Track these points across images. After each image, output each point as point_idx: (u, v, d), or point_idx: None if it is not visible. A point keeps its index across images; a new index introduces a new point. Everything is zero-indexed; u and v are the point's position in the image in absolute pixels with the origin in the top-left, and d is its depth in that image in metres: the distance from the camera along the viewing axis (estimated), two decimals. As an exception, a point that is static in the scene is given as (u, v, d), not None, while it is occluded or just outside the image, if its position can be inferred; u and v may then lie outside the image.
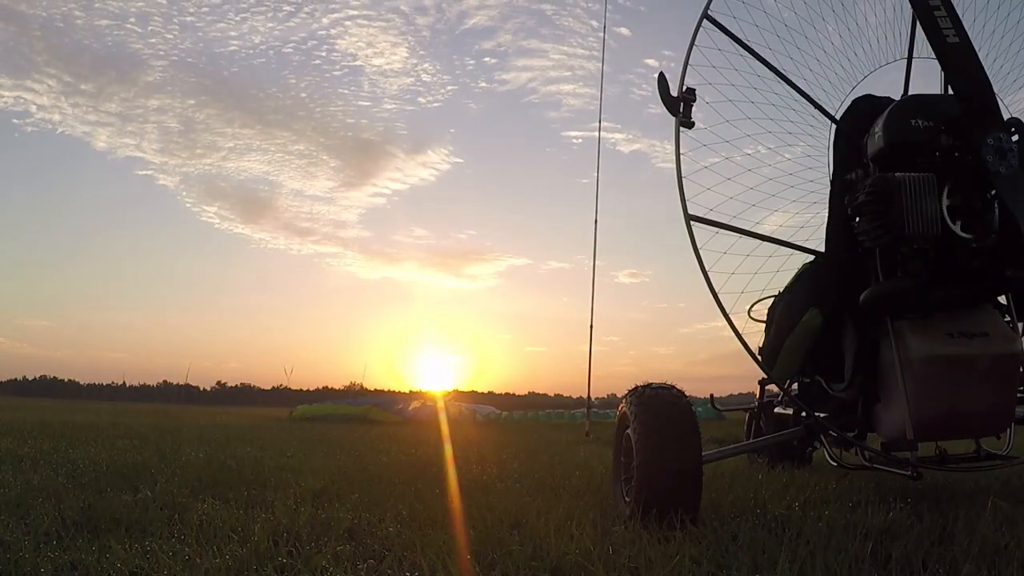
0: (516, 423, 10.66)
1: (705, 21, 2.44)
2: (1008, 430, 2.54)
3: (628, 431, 2.30)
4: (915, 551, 1.70)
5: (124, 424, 8.03)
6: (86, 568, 1.60)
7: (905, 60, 2.64)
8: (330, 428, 8.94)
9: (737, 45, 2.45)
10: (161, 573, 1.57)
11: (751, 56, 2.45)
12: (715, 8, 2.44)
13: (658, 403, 2.25)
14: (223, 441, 5.59)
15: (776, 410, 2.87)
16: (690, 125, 2.38)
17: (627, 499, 2.28)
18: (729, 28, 2.44)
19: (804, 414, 2.52)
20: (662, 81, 2.37)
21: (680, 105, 2.36)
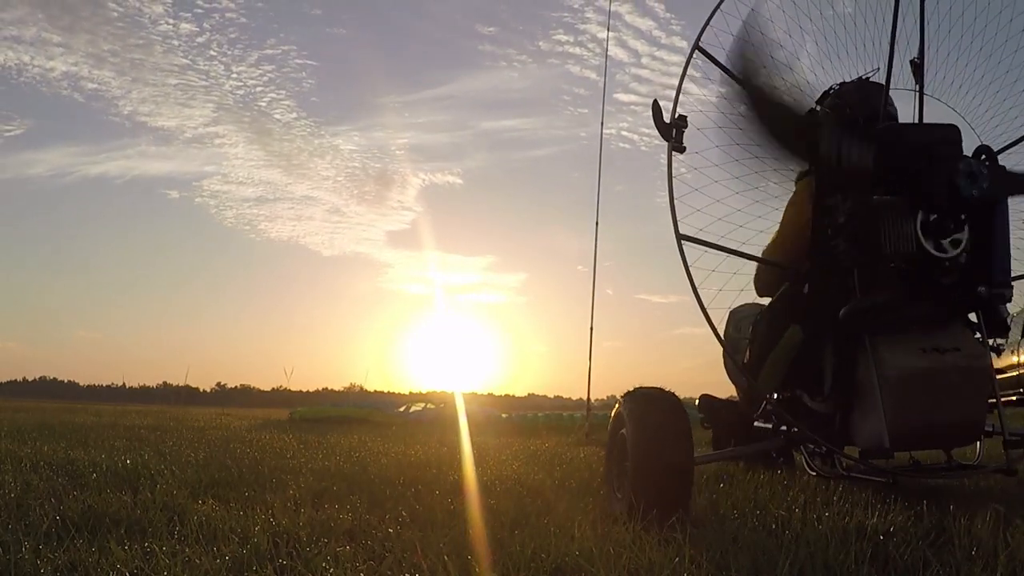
0: (516, 424, 10.65)
1: (697, 52, 2.58)
2: (978, 441, 2.67)
3: (623, 431, 2.40)
4: (914, 553, 1.70)
5: (124, 425, 8.03)
6: (86, 569, 1.60)
7: (885, 89, 2.78)
8: (330, 429, 8.94)
9: (725, 74, 2.57)
10: (161, 574, 1.58)
11: (739, 84, 2.57)
12: (706, 40, 2.58)
13: (652, 406, 2.37)
14: (223, 442, 5.59)
15: (756, 424, 2.97)
16: (682, 150, 2.50)
17: (619, 495, 2.40)
18: (719, 59, 2.57)
19: (785, 426, 2.63)
20: (656, 108, 2.50)
21: (672, 131, 2.49)
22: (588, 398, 7.61)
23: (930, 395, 2.23)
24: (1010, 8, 2.68)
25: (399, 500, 2.56)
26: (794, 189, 2.76)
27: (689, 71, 2.57)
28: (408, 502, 2.50)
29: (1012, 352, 12.35)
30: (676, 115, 2.50)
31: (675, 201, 2.48)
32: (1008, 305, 2.41)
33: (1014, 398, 12.21)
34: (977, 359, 2.28)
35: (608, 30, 6.33)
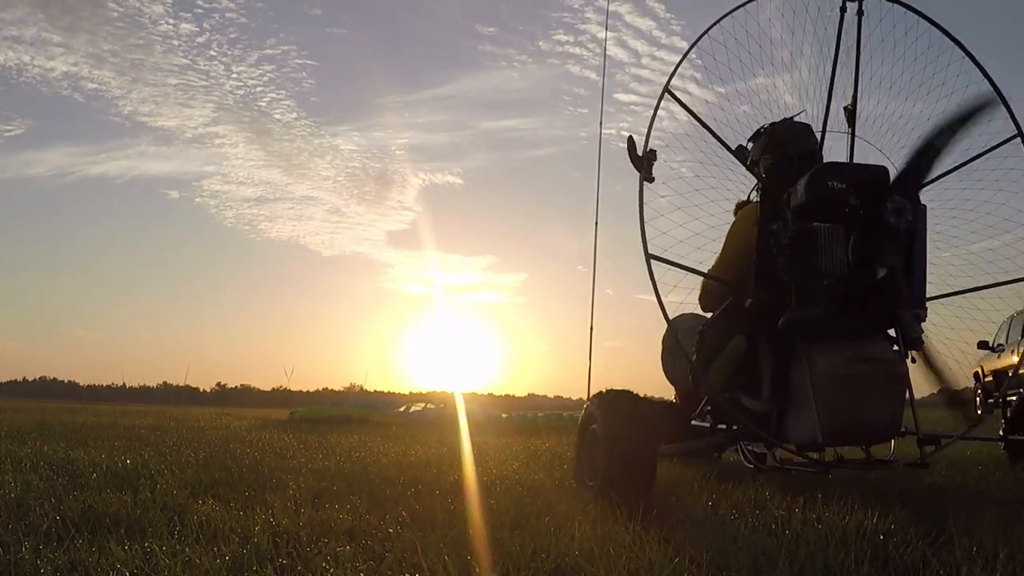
0: (516, 424, 10.65)
1: (667, 94, 2.93)
2: (892, 440, 3.02)
3: (594, 427, 2.78)
4: (914, 553, 1.70)
5: (124, 425, 8.03)
6: (86, 569, 1.60)
7: (822, 132, 3.28)
8: (330, 429, 8.94)
9: (690, 116, 2.99)
10: (161, 574, 1.58)
11: (700, 125, 2.99)
12: (675, 85, 2.96)
13: (620, 406, 2.71)
14: (223, 442, 5.59)
15: (693, 422, 3.24)
16: (651, 179, 2.85)
17: (589, 484, 2.74)
18: (685, 102, 2.98)
19: (727, 424, 3.01)
20: (631, 143, 2.85)
21: (644, 162, 2.83)
22: (588, 398, 7.60)
23: (855, 397, 2.59)
24: (933, 64, 3.18)
25: (399, 500, 2.56)
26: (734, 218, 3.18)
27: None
28: (408, 502, 2.50)
29: (1012, 352, 12.35)
30: (648, 149, 2.84)
31: (645, 224, 2.82)
32: (920, 324, 2.83)
33: (1014, 398, 12.21)
34: (895, 367, 2.66)
35: (607, 30, 6.33)
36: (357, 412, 13.81)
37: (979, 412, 13.55)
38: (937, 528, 1.94)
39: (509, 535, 1.92)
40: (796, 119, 3.16)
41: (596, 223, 7.22)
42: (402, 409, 14.86)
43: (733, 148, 3.08)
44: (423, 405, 14.95)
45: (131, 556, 1.69)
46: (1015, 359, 12.14)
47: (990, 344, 13.36)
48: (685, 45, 3.07)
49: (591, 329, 7.30)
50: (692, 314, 3.24)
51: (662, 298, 2.81)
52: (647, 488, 2.52)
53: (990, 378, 13.25)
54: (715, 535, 1.87)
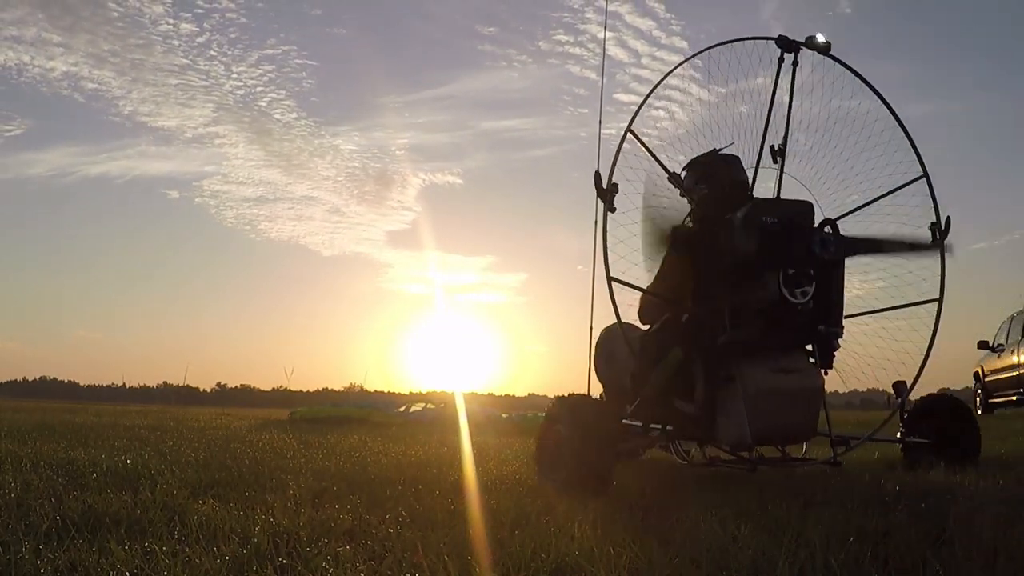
0: (516, 424, 10.65)
1: (629, 134, 3.30)
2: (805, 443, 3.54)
3: (559, 427, 3.09)
4: (915, 553, 1.70)
5: (124, 425, 8.03)
6: (86, 569, 1.61)
7: (755, 167, 3.64)
8: (330, 429, 8.93)
9: (648, 154, 3.40)
10: (161, 574, 1.58)
11: (656, 162, 3.43)
12: (636, 125, 3.35)
13: (584, 412, 3.07)
14: (223, 442, 5.59)
15: (624, 421, 3.47)
16: (613, 210, 3.17)
17: (554, 476, 3.00)
18: (645, 141, 3.40)
19: (661, 425, 3.35)
20: (597, 177, 3.18)
21: (607, 195, 3.15)
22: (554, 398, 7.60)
23: (779, 405, 3.01)
24: (854, 111, 3.67)
25: (399, 500, 2.56)
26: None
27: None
28: (408, 502, 2.50)
29: (1012, 352, 12.35)
30: (611, 182, 3.17)
31: (607, 250, 3.17)
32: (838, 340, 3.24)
33: (1014, 398, 12.22)
34: (812, 379, 3.11)
35: (606, 30, 6.33)
36: (357, 412, 13.81)
37: (979, 412, 13.57)
38: (937, 528, 1.94)
39: (509, 535, 1.92)
40: (725, 151, 3.55)
41: (596, 223, 7.24)
42: (402, 409, 14.85)
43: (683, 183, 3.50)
44: (423, 405, 14.94)
45: (131, 556, 1.69)
46: (1015, 359, 12.14)
47: (990, 344, 13.37)
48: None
49: (591, 329, 7.31)
50: (624, 323, 3.55)
51: (620, 315, 3.27)
52: (607, 485, 2.88)
53: (990, 378, 13.25)
54: (715, 535, 1.87)
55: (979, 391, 13.90)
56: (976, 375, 14.01)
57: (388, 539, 1.91)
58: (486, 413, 12.41)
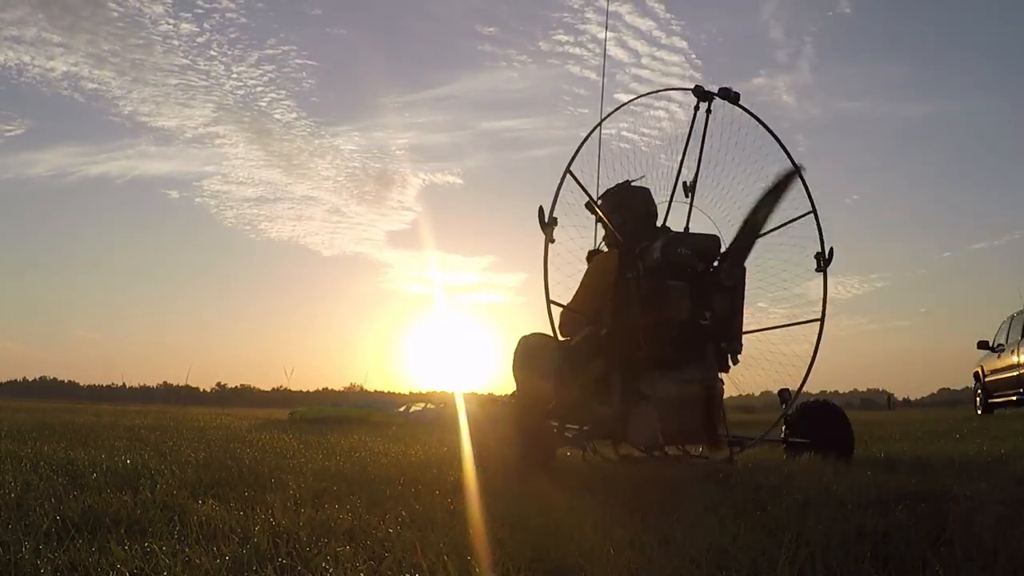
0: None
1: (568, 175, 3.71)
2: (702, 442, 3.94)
3: (510, 422, 3.66)
4: (915, 553, 1.70)
5: (124, 425, 8.03)
6: (86, 569, 1.60)
7: (669, 201, 4.10)
8: (330, 429, 8.94)
9: (582, 191, 3.82)
10: (161, 574, 1.58)
11: (588, 197, 3.84)
12: (575, 166, 3.77)
13: (532, 414, 3.69)
14: (223, 442, 5.59)
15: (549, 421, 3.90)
16: (553, 241, 3.58)
17: (504, 461, 3.47)
18: (581, 180, 3.82)
19: (577, 425, 3.92)
20: (540, 211, 3.57)
21: (549, 228, 3.55)
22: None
23: (684, 409, 3.55)
24: (758, 152, 4.15)
25: (399, 500, 2.56)
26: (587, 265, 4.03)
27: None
28: (408, 502, 2.50)
29: (1012, 352, 12.34)
30: (552, 216, 3.57)
31: (548, 276, 3.57)
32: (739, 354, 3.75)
33: (1014, 398, 12.22)
34: (713, 387, 3.64)
35: (607, 30, 6.34)
36: (357, 412, 13.83)
37: (979, 412, 13.57)
38: (937, 528, 1.94)
39: (509, 535, 1.92)
40: (637, 183, 4.02)
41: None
42: (402, 409, 14.88)
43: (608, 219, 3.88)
44: (423, 405, 14.97)
45: (131, 556, 1.69)
46: (1015, 359, 12.13)
47: (990, 344, 13.36)
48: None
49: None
50: (538, 333, 3.97)
51: (559, 334, 3.70)
52: (547, 464, 3.54)
53: (990, 378, 13.25)
54: (715, 535, 1.87)
55: (979, 391, 13.90)
56: (976, 375, 14.02)
57: (388, 539, 1.91)
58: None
